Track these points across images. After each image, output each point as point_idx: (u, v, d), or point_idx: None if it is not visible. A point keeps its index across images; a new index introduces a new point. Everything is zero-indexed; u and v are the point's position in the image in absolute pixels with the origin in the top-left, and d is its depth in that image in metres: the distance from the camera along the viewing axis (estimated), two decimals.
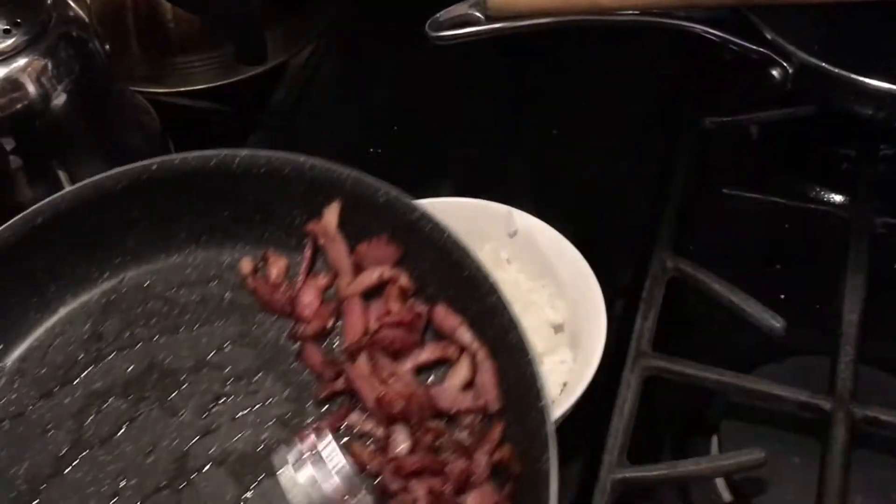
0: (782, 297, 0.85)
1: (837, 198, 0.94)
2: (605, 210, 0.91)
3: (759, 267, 0.90)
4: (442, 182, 0.87)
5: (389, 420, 0.64)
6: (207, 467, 0.65)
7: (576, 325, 0.77)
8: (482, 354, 0.65)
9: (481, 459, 0.61)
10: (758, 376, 0.78)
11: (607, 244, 0.83)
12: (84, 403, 0.68)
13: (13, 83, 0.83)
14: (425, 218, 0.68)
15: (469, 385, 0.65)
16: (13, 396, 0.68)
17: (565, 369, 0.74)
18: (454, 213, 0.82)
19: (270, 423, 0.66)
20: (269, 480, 0.64)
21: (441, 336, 0.68)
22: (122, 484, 0.64)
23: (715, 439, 0.78)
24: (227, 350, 0.70)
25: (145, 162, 0.73)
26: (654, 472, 0.74)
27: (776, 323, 0.79)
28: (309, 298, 0.71)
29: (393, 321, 0.67)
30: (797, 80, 0.88)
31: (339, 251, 0.72)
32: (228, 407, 0.67)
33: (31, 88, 0.84)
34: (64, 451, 0.66)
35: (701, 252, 0.87)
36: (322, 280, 0.72)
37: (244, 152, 0.73)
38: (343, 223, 0.72)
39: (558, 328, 0.78)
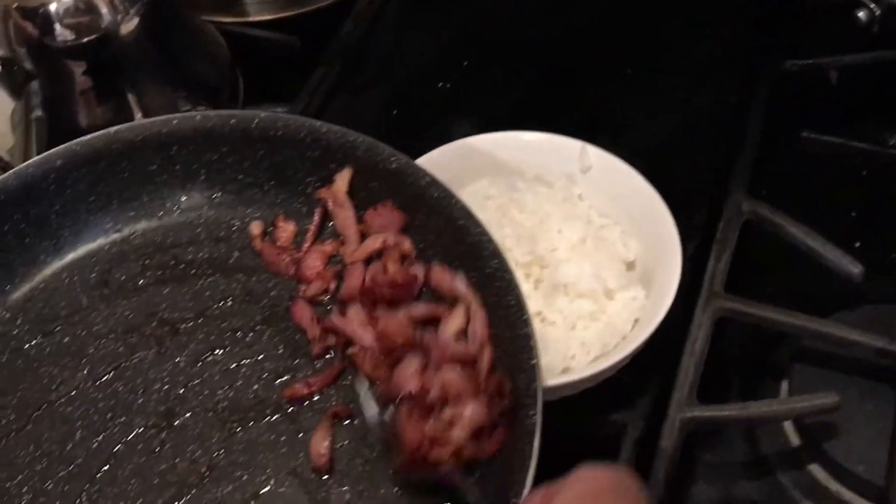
0: (858, 244, 0.83)
1: None
2: (680, 150, 0.89)
3: (835, 213, 0.87)
4: (513, 117, 0.85)
5: (389, 359, 0.65)
6: (195, 412, 0.66)
7: (649, 263, 0.75)
8: (476, 305, 0.65)
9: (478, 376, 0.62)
10: (834, 321, 0.76)
11: (682, 184, 0.81)
12: (82, 344, 0.69)
13: (87, 5, 0.83)
14: (435, 185, 0.69)
15: (462, 335, 0.65)
16: (14, 332, 0.70)
17: (637, 306, 0.73)
18: (525, 147, 0.82)
19: (263, 375, 0.67)
20: (256, 428, 0.65)
21: (438, 297, 0.68)
22: (111, 421, 0.66)
23: (784, 384, 0.77)
24: (228, 305, 0.71)
25: (167, 116, 0.74)
26: (724, 413, 0.73)
27: (854, 269, 0.77)
28: (314, 262, 0.72)
29: (388, 280, 0.68)
30: (884, 21, 0.86)
31: (346, 218, 0.72)
32: (223, 358, 0.68)
33: (105, 11, 0.84)
34: (57, 386, 0.68)
35: (776, 195, 0.85)
36: (328, 246, 0.73)
37: (263, 114, 0.74)
38: (354, 191, 0.72)
39: (630, 265, 0.76)
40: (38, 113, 0.86)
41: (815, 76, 0.96)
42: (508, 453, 0.60)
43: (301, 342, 0.69)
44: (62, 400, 0.67)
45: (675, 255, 0.73)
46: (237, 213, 0.75)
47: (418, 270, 0.69)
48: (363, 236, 0.72)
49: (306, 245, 0.73)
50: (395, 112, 0.97)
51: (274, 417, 0.65)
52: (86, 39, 0.84)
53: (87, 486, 0.63)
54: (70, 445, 0.65)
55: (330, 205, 0.73)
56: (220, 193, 0.75)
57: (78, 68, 0.86)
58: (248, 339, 0.69)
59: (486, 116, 0.89)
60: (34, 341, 0.69)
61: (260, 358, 0.68)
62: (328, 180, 0.73)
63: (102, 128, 0.74)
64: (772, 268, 0.85)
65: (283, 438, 0.64)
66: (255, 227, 0.74)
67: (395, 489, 0.62)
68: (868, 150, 0.91)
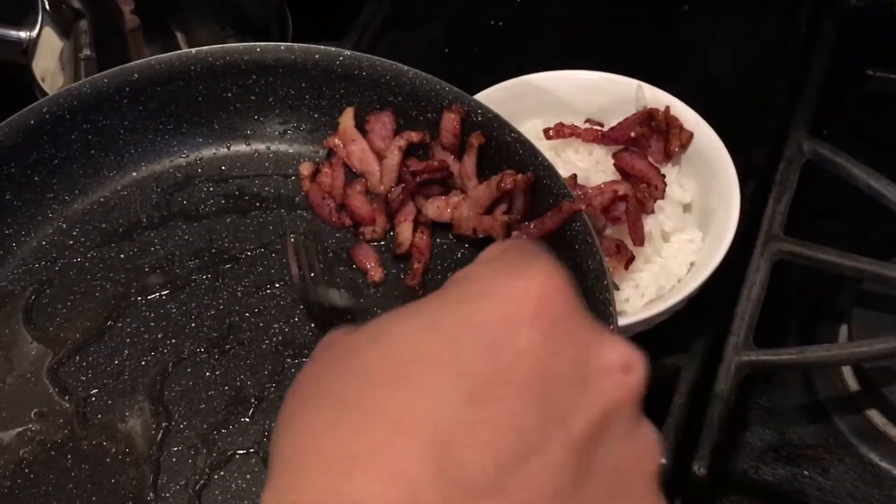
0: None
1: None
2: (739, 89, 0.87)
3: None
4: (567, 56, 0.83)
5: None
6: (249, 342, 0.65)
7: (706, 205, 0.74)
8: None
9: None
10: None
11: (741, 123, 0.79)
12: (138, 262, 0.68)
13: None
14: (520, 141, 0.67)
15: None
16: (69, 242, 0.69)
17: (693, 248, 0.72)
18: (580, 86, 0.80)
19: None
20: None
21: None
22: (161, 341, 0.65)
23: (844, 328, 0.75)
24: (291, 241, 0.69)
25: (251, 43, 0.72)
26: (782, 357, 0.71)
27: None
28: (360, 203, 0.70)
29: (421, 167, 0.68)
30: None
31: (363, 150, 0.71)
32: (282, 292, 0.67)
33: None
34: (108, 300, 0.66)
35: (838, 135, 0.83)
36: (359, 185, 0.71)
37: (348, 52, 0.72)
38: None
39: (687, 207, 0.75)
40: (86, 52, 0.85)
41: (882, 13, 0.93)
42: None
43: (363, 286, 0.67)
44: (112, 314, 0.66)
45: (733, 196, 0.72)
46: (307, 151, 0.73)
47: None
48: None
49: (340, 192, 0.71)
50: (446, 50, 0.95)
51: None
52: None
53: (130, 402, 0.62)
54: (116, 360, 0.64)
55: (341, 149, 0.71)
56: (292, 129, 0.73)
57: (126, 6, 0.85)
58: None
59: (539, 55, 0.87)
60: (89, 254, 0.68)
61: None
62: (406, 127, 0.71)
63: None
64: (833, 210, 0.83)
65: None
66: (305, 168, 0.72)
67: None
68: None
